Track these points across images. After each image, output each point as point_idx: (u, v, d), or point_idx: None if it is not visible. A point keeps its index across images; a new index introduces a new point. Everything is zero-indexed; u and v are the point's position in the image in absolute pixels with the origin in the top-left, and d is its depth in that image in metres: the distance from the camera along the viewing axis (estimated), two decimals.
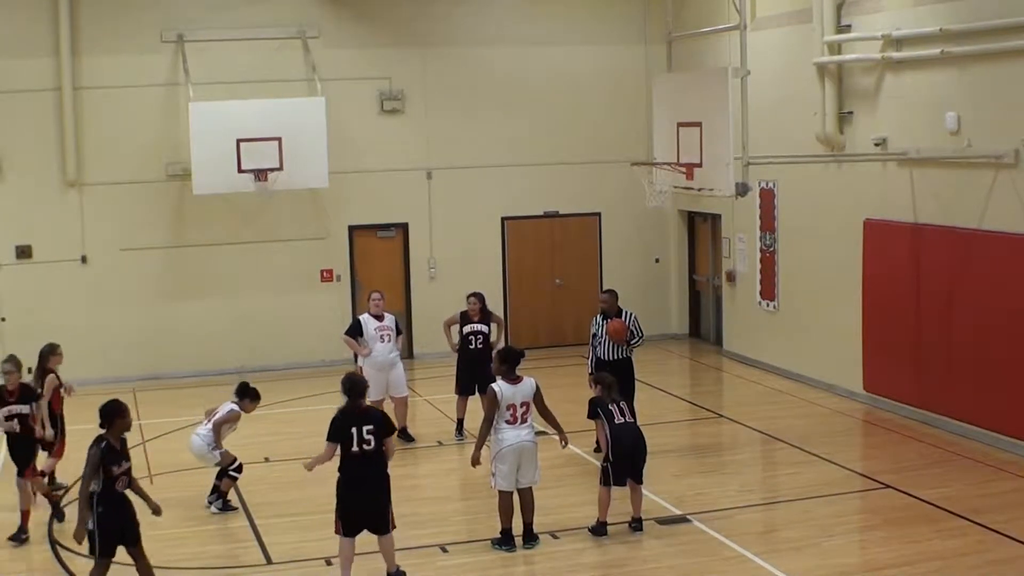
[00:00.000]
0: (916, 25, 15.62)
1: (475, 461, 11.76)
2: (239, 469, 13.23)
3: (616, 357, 14.45)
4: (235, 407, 13.26)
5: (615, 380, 12.43)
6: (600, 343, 14.59)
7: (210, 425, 13.13)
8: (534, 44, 21.40)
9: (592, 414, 12.16)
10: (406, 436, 15.58)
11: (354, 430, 10.69)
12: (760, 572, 11.12)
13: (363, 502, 10.80)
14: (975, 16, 14.68)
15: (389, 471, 10.96)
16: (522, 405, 11.64)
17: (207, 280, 20.30)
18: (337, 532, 10.91)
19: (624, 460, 11.99)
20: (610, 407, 12.04)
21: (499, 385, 11.68)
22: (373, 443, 10.72)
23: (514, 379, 11.73)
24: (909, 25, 15.75)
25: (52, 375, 13.54)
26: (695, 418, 17.17)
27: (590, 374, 14.02)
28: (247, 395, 13.36)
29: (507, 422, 11.60)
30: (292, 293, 20.39)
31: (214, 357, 19.63)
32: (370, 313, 15.60)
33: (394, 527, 11.00)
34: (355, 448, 10.70)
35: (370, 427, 10.74)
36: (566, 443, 12.05)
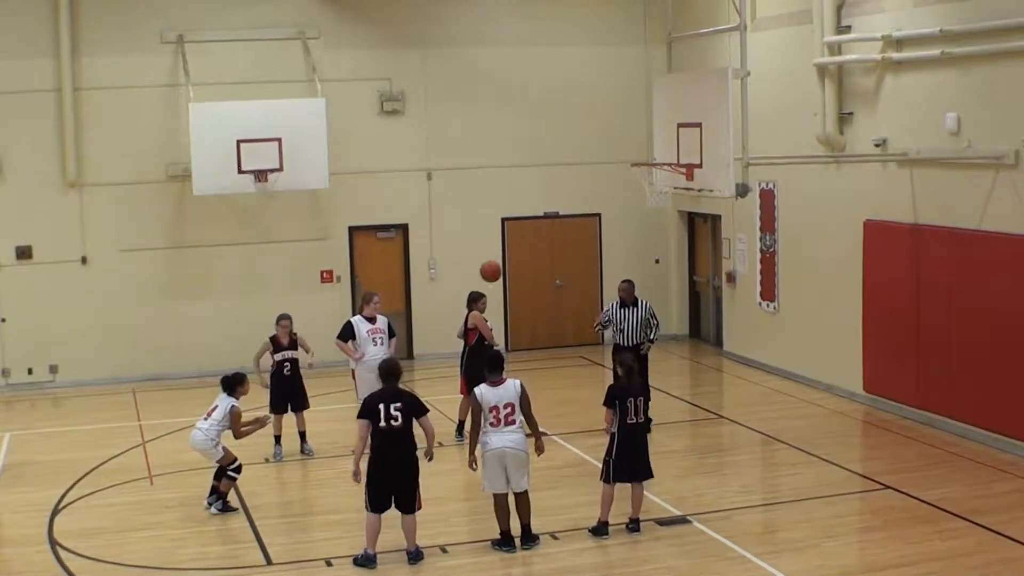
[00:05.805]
0: (916, 26, 15.61)
1: (471, 464, 11.87)
2: (238, 469, 13.20)
3: (635, 343, 15.49)
4: (233, 403, 13.21)
5: (636, 364, 12.37)
6: (622, 331, 15.63)
7: (220, 426, 13.07)
8: (534, 44, 21.38)
9: (608, 403, 12.09)
10: None
11: (381, 407, 11.30)
12: (760, 573, 11.11)
13: (388, 477, 11.34)
14: (975, 16, 14.67)
15: (419, 454, 11.51)
16: (506, 407, 11.63)
17: (207, 281, 20.29)
18: (367, 508, 11.40)
19: (626, 460, 12.00)
20: (627, 403, 11.99)
21: (479, 389, 11.76)
22: (400, 420, 11.31)
23: (496, 382, 11.76)
24: (909, 26, 15.74)
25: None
26: (695, 419, 17.16)
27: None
28: (234, 384, 13.32)
29: (491, 424, 11.63)
30: (292, 294, 20.33)
31: (214, 357, 19.58)
32: (363, 315, 15.59)
33: (419, 507, 11.49)
34: (382, 424, 11.29)
35: (397, 404, 11.34)
36: (541, 451, 12.03)
